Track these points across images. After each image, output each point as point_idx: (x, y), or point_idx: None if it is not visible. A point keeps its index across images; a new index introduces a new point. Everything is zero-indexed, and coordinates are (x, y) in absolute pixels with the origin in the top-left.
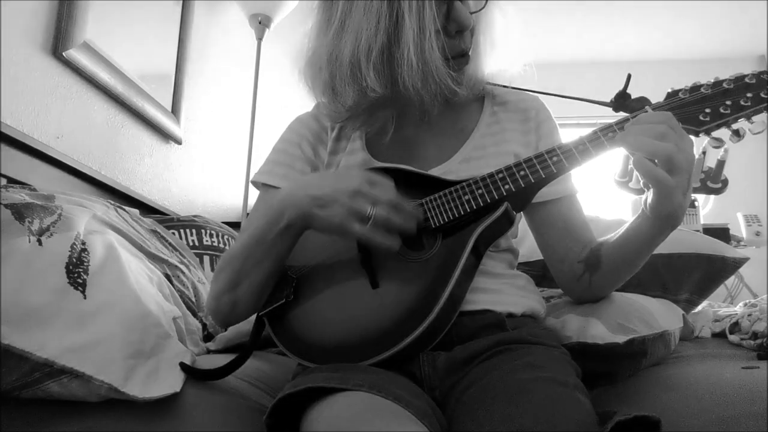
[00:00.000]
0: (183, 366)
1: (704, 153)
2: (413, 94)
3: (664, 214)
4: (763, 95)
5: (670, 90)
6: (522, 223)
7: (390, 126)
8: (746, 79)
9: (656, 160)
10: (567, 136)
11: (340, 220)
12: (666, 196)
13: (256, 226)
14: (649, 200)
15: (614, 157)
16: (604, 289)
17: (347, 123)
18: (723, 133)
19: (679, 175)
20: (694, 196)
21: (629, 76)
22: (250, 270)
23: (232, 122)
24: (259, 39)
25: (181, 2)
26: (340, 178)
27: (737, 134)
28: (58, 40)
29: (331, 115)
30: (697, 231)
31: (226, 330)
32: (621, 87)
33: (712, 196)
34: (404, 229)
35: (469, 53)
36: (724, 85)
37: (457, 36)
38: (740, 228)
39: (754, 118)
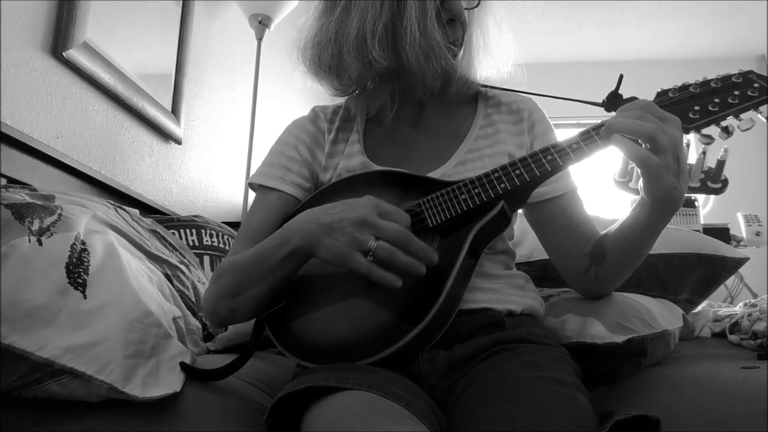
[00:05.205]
0: (183, 366)
1: (704, 153)
2: (416, 69)
3: (658, 196)
4: (749, 93)
5: (659, 90)
6: (519, 224)
7: (389, 109)
8: (733, 78)
9: (640, 141)
10: (563, 136)
11: (342, 250)
12: (654, 177)
13: (263, 245)
14: (641, 183)
15: (614, 157)
16: (611, 281)
17: (351, 101)
18: (713, 130)
19: (663, 154)
20: (694, 196)
21: (621, 77)
22: (252, 283)
23: (232, 122)
24: (259, 39)
25: (181, 2)
26: (350, 206)
27: (726, 131)
28: (58, 40)
29: (335, 90)
30: (697, 231)
31: (224, 329)
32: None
33: (712, 196)
34: (410, 269)
35: (461, 47)
36: (712, 84)
37: (449, 25)
38: (740, 228)
39: (741, 116)
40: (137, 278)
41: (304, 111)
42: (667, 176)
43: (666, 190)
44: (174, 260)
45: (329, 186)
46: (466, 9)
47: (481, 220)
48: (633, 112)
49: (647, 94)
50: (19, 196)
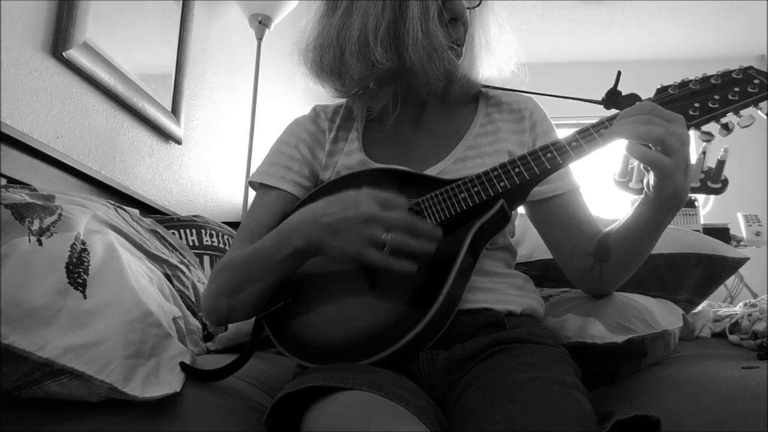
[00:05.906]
0: (183, 366)
1: (704, 153)
2: (419, 69)
3: (667, 195)
4: (749, 89)
5: (659, 86)
6: (520, 224)
7: (391, 110)
8: (733, 75)
9: (650, 145)
10: (564, 135)
11: (355, 249)
12: (666, 177)
13: (261, 244)
14: (651, 182)
15: (614, 157)
16: (616, 279)
17: (353, 102)
18: (713, 127)
19: (675, 155)
20: (694, 196)
21: (619, 74)
22: (251, 281)
23: (232, 122)
24: (259, 39)
25: (181, 2)
26: (349, 202)
27: (726, 128)
28: (58, 40)
29: (337, 91)
30: (697, 231)
31: (223, 329)
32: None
33: (712, 196)
34: (422, 252)
35: (463, 47)
36: (712, 80)
37: (450, 24)
38: (740, 228)
39: (741, 112)
40: (137, 278)
41: (304, 110)
42: (679, 175)
43: (675, 188)
44: (174, 260)
45: (328, 183)
46: (467, 8)
47: (481, 219)
48: (640, 117)
49: (647, 94)
50: (19, 196)
